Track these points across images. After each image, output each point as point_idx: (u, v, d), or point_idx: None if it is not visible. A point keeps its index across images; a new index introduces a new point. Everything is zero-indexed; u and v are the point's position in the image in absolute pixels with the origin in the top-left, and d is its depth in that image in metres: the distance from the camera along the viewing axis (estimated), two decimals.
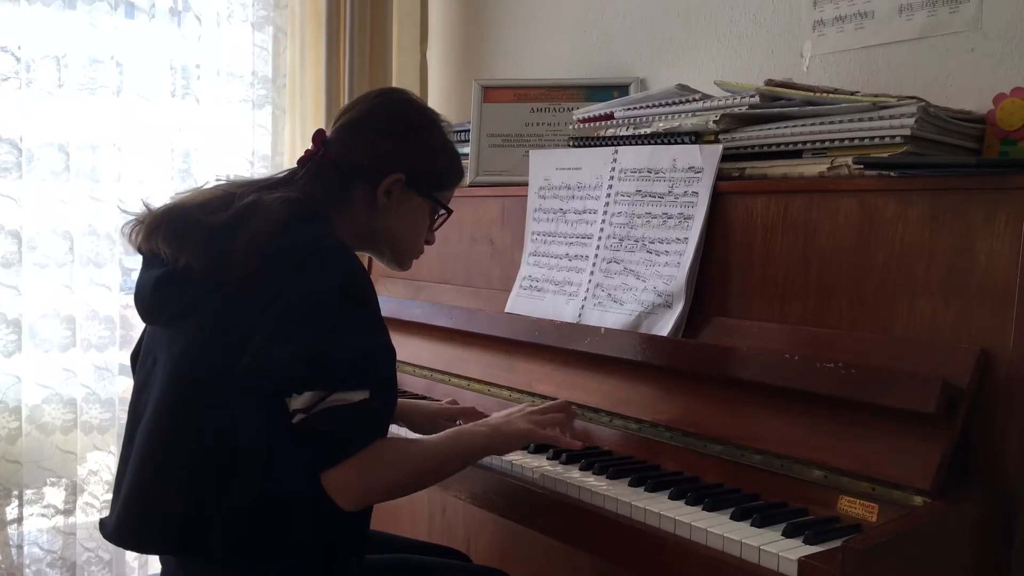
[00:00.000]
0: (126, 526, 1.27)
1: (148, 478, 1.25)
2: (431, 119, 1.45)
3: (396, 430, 1.62)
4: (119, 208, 1.37)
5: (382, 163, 1.37)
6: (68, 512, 2.30)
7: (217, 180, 1.38)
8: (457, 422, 1.62)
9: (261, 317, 1.19)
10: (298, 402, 1.17)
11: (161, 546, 1.29)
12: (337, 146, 1.38)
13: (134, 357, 1.40)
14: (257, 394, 1.19)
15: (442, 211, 1.47)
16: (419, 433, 1.60)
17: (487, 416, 1.54)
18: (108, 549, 2.32)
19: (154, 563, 2.30)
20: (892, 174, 1.33)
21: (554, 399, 1.63)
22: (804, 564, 1.06)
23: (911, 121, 1.34)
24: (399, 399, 1.68)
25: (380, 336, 1.24)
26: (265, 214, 1.24)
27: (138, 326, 2.34)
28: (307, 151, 1.39)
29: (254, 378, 1.18)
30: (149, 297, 1.30)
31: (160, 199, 1.39)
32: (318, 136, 1.39)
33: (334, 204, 1.35)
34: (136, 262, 2.35)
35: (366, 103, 1.43)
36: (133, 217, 1.33)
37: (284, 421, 1.18)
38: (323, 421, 1.16)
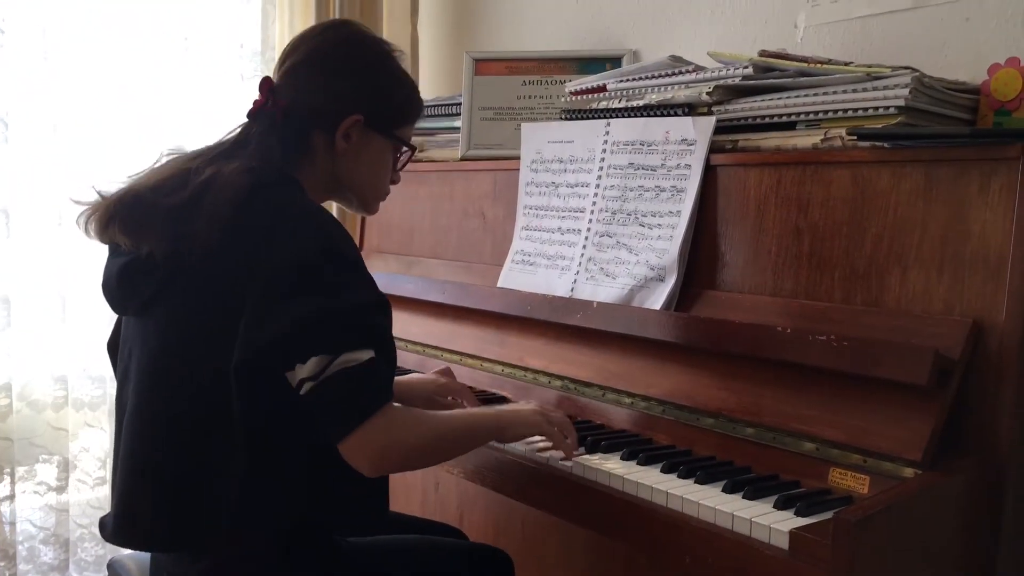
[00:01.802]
0: (124, 528, 1.24)
1: (139, 477, 1.23)
2: (384, 51, 1.35)
3: None
4: (71, 200, 1.29)
5: (337, 105, 1.28)
6: (60, 489, 2.29)
7: (170, 153, 1.30)
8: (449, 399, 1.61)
9: (243, 295, 1.14)
10: (304, 370, 1.11)
11: (160, 544, 1.26)
12: (286, 92, 1.29)
13: (111, 346, 1.38)
14: (254, 372, 1.14)
15: (405, 149, 1.39)
16: None
17: (479, 392, 1.54)
18: None
19: None
20: (886, 145, 1.32)
21: (546, 373, 1.63)
22: (795, 536, 1.06)
23: (905, 92, 1.33)
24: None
25: (374, 291, 1.19)
26: (222, 187, 1.17)
27: None
28: (255, 102, 1.30)
29: (254, 356, 1.12)
30: (116, 288, 1.26)
31: (118, 181, 1.29)
32: (265, 85, 1.30)
33: (294, 157, 1.27)
34: None
35: (311, 41, 1.33)
36: (86, 207, 1.26)
37: (280, 398, 1.14)
38: (336, 385, 1.11)
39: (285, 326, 1.12)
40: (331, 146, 1.30)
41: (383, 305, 1.19)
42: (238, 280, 1.15)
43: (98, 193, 1.27)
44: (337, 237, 1.19)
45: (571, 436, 1.38)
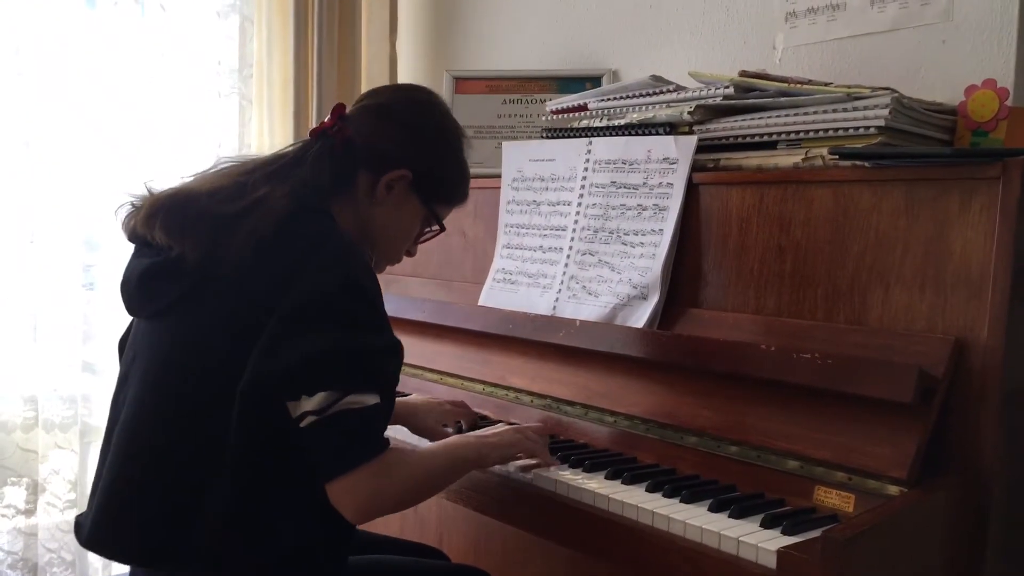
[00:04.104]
0: (101, 533, 1.21)
1: (125, 484, 1.20)
2: (457, 133, 1.40)
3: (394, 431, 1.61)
4: (126, 194, 1.30)
5: (394, 154, 1.31)
6: (29, 512, 2.24)
7: (228, 161, 1.30)
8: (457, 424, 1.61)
9: (261, 319, 1.12)
10: (310, 403, 1.09)
11: (136, 556, 1.22)
12: (354, 124, 1.32)
13: (121, 344, 1.35)
14: (260, 398, 1.12)
15: (435, 226, 1.41)
16: (419, 436, 1.57)
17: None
18: (71, 550, 2.27)
19: (119, 565, 2.25)
20: (866, 164, 1.33)
21: (528, 392, 1.62)
22: (783, 555, 1.05)
23: (885, 112, 1.34)
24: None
25: (389, 335, 1.19)
26: (268, 208, 1.18)
27: (100, 323, 2.31)
28: (322, 123, 1.32)
29: (264, 381, 1.11)
30: (135, 289, 1.24)
31: (132, 190, 1.29)
32: (337, 110, 1.32)
33: (338, 190, 1.28)
34: (96, 258, 2.31)
35: (395, 93, 1.42)
36: (131, 199, 1.26)
37: (278, 427, 1.12)
38: (338, 424, 1.10)
39: (299, 356, 1.11)
40: (372, 191, 1.31)
41: (396, 350, 1.19)
42: (260, 303, 1.14)
43: (148, 189, 1.27)
44: (361, 273, 1.18)
45: (545, 447, 1.39)
